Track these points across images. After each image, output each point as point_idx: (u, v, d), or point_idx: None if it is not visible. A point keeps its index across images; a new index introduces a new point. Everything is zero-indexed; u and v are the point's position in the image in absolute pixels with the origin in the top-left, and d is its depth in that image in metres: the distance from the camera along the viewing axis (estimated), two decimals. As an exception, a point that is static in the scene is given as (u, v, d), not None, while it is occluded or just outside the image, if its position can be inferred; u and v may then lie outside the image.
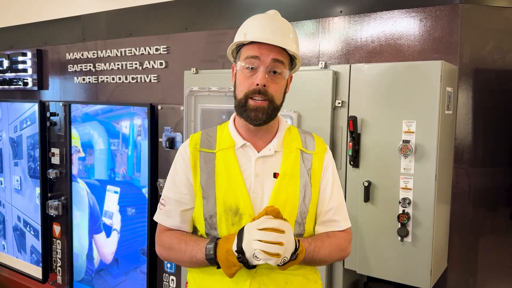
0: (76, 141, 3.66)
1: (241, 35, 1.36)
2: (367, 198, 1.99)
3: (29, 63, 4.06)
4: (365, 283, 2.22)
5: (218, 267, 1.25)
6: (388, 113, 1.94)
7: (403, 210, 1.90)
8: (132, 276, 3.34)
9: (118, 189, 3.37)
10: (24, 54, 4.04)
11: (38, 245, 4.05)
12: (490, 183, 2.26)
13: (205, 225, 1.36)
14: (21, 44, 4.21)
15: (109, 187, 3.43)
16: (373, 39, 2.33)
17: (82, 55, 3.69)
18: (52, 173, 3.89)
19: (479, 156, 2.24)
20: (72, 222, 3.73)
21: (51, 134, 3.94)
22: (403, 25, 2.25)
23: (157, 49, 3.21)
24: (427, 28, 2.18)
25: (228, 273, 1.23)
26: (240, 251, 1.18)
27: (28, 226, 4.14)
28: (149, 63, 3.26)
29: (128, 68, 3.40)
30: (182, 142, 2.12)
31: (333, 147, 2.09)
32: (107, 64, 3.53)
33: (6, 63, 4.20)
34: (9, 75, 4.20)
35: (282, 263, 1.18)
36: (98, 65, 3.60)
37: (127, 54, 3.39)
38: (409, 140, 1.88)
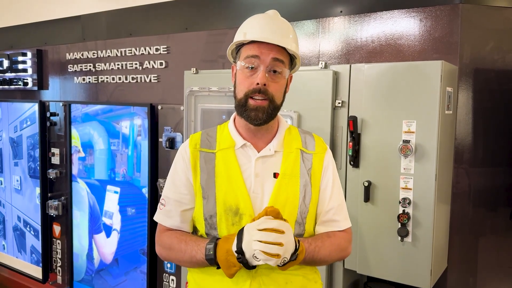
0: (76, 141, 3.66)
1: (241, 35, 1.36)
2: (367, 198, 1.99)
3: (29, 63, 4.06)
4: (365, 283, 2.22)
5: (218, 267, 1.25)
6: (388, 113, 1.94)
7: (403, 210, 1.90)
8: (132, 276, 3.34)
9: (118, 189, 3.37)
10: (24, 54, 4.04)
11: (38, 245, 4.05)
12: (490, 183, 2.26)
13: (205, 225, 1.36)
14: (21, 44, 4.21)
15: (109, 187, 3.43)
16: (373, 39, 2.33)
17: (82, 55, 3.69)
18: (52, 173, 3.89)
19: (479, 156, 2.24)
20: (72, 222, 3.73)
21: (51, 134, 3.94)
22: (403, 25, 2.25)
23: (157, 49, 3.21)
24: (427, 28, 2.18)
25: (228, 273, 1.23)
26: (240, 251, 1.18)
27: (28, 226, 4.14)
28: (149, 63, 3.26)
29: (128, 68, 3.40)
30: (182, 142, 2.12)
31: (333, 147, 2.09)
32: (107, 64, 3.53)
33: (6, 63, 4.20)
34: (9, 75, 4.20)
35: (282, 263, 1.18)
36: (98, 65, 3.60)
37: (127, 54, 3.39)
38: (409, 140, 1.88)
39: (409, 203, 1.89)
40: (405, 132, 1.89)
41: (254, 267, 1.21)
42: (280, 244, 1.15)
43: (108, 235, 3.45)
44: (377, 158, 1.98)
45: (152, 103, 3.14)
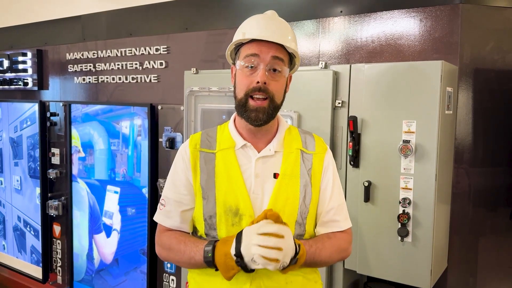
0: (76, 141, 3.66)
1: (240, 34, 1.36)
2: (367, 198, 1.99)
3: (29, 63, 4.06)
4: (365, 283, 2.22)
5: (217, 269, 1.25)
6: (388, 113, 1.94)
7: (403, 210, 1.90)
8: (132, 276, 3.34)
9: (118, 189, 3.37)
10: (24, 54, 4.04)
11: (38, 245, 4.05)
12: (490, 183, 2.26)
13: (204, 225, 1.36)
14: (21, 44, 4.21)
15: (109, 187, 3.43)
16: (373, 39, 2.33)
17: (82, 55, 3.69)
18: (52, 173, 3.89)
19: (479, 156, 2.24)
20: (72, 222, 3.73)
21: (51, 134, 3.94)
22: (403, 25, 2.25)
23: (157, 49, 3.21)
24: (427, 28, 2.18)
25: (226, 276, 1.22)
26: (238, 255, 1.18)
27: (28, 226, 4.14)
28: (149, 63, 3.26)
29: (128, 68, 3.40)
30: (182, 142, 2.12)
31: (333, 147, 2.09)
32: (107, 64, 3.53)
33: (6, 63, 4.20)
34: (9, 75, 4.20)
35: (282, 267, 1.18)
36: (98, 65, 3.60)
37: (127, 54, 3.40)
38: (409, 140, 1.88)
39: (409, 203, 1.89)
40: (405, 132, 1.89)
41: (252, 270, 1.20)
42: (279, 249, 1.14)
43: (108, 235, 3.45)
44: (377, 158, 1.98)
45: (152, 103, 3.14)
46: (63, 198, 3.89)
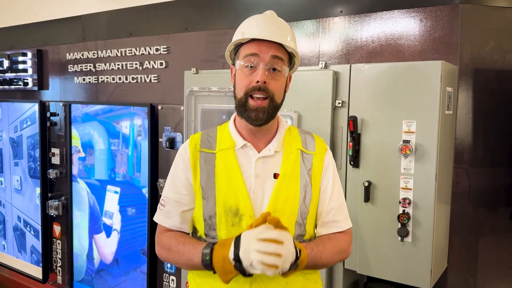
0: (76, 141, 3.66)
1: (239, 34, 1.36)
2: (367, 198, 1.99)
3: (29, 63, 4.06)
4: (365, 283, 2.22)
5: (215, 272, 1.24)
6: (388, 113, 1.94)
7: (403, 210, 1.90)
8: (132, 276, 3.34)
9: (118, 189, 3.37)
10: (24, 54, 4.04)
11: (38, 245, 4.05)
12: (490, 183, 2.26)
13: (204, 225, 1.36)
14: (21, 44, 4.21)
15: (109, 187, 3.43)
16: (373, 39, 2.33)
17: (82, 55, 3.69)
18: (52, 173, 3.89)
19: (479, 156, 2.24)
20: (72, 222, 3.73)
21: (51, 134, 3.94)
22: (403, 25, 2.25)
23: (157, 49, 3.21)
24: (427, 28, 2.18)
25: (224, 279, 1.21)
26: (237, 259, 1.16)
27: (28, 226, 4.14)
28: (149, 63, 3.26)
29: (128, 68, 3.40)
30: (182, 142, 2.12)
31: (333, 147, 2.09)
32: (107, 64, 3.53)
33: (6, 63, 4.20)
34: (9, 75, 4.20)
35: (281, 273, 1.17)
36: (98, 65, 3.60)
37: (127, 54, 3.40)
38: (409, 140, 1.88)
39: (409, 203, 1.89)
40: (405, 132, 1.89)
41: (251, 275, 1.19)
42: (278, 255, 1.13)
43: (108, 235, 3.45)
44: (377, 158, 1.98)
45: (152, 103, 3.14)
46: (63, 198, 3.89)
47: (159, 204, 1.46)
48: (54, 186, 3.96)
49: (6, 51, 4.25)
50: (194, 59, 3.00)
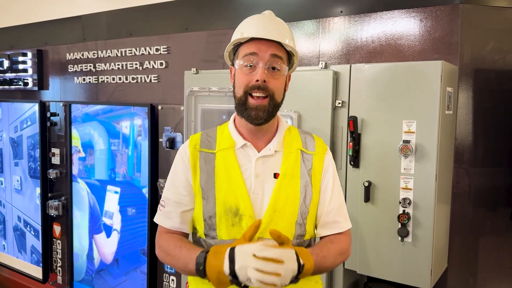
0: (76, 141, 3.66)
1: (238, 34, 1.36)
2: (367, 198, 1.99)
3: (29, 63, 4.06)
4: (365, 283, 2.22)
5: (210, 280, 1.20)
6: (388, 113, 1.94)
7: (403, 210, 1.90)
8: (133, 276, 3.34)
9: (118, 189, 3.37)
10: (25, 54, 4.04)
11: (38, 245, 4.05)
12: (490, 183, 2.26)
13: (204, 225, 1.36)
14: (21, 44, 4.21)
15: (109, 187, 3.43)
16: (373, 39, 2.33)
17: (83, 55, 3.69)
18: (52, 173, 3.89)
19: (479, 156, 2.24)
20: (73, 222, 3.73)
21: (52, 134, 3.94)
22: (403, 25, 2.25)
23: (157, 49, 3.21)
24: (427, 28, 2.18)
25: None
26: (233, 274, 1.13)
27: (28, 226, 4.14)
28: (149, 63, 3.26)
29: (129, 68, 3.40)
30: (182, 142, 2.12)
31: (333, 147, 2.09)
32: (108, 64, 3.53)
33: (6, 63, 4.20)
34: (9, 75, 4.20)
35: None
36: (99, 65, 3.60)
37: (128, 54, 3.40)
38: (409, 140, 1.88)
39: (409, 203, 1.89)
40: (405, 132, 1.89)
41: (246, 287, 1.15)
42: (278, 275, 1.10)
43: (108, 235, 3.45)
44: (377, 158, 1.98)
45: (152, 103, 3.14)
46: (63, 198, 3.89)
47: (159, 205, 1.46)
48: (54, 186, 3.96)
49: (6, 51, 4.25)
50: (194, 59, 3.00)
